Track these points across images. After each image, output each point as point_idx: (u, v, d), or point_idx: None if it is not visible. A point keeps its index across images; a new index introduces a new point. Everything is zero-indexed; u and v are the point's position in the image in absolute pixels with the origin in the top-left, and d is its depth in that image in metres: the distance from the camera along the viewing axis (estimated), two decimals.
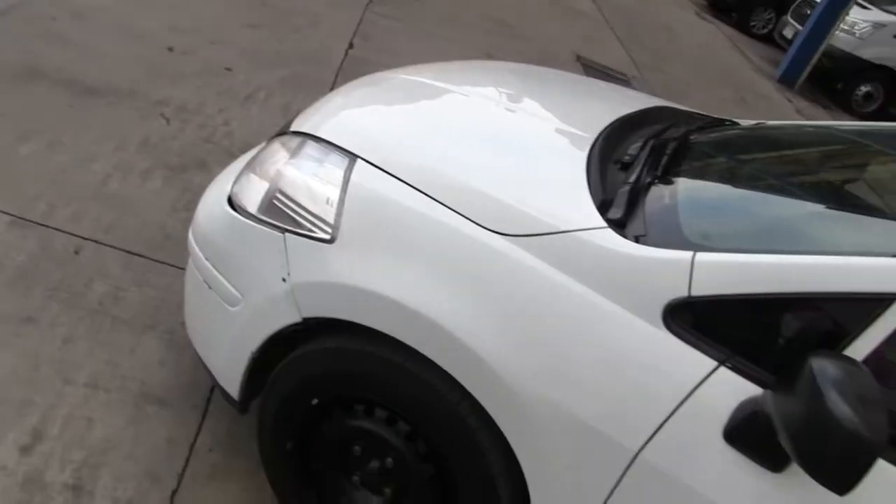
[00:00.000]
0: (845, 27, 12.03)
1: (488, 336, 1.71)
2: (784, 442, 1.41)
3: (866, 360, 1.48)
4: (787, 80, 11.53)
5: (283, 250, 1.96)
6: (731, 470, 1.56)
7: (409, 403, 1.91)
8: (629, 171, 2.03)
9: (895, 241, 1.76)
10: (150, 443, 2.38)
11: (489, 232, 1.77)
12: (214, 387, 2.47)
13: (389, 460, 2.00)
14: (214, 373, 2.22)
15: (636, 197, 1.89)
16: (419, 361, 1.81)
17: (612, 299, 1.65)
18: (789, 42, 12.35)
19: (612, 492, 1.67)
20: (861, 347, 1.49)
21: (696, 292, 1.59)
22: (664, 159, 2.11)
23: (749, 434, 1.52)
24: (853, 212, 2.02)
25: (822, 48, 11.64)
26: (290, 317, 1.96)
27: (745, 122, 2.86)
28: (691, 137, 2.41)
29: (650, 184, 1.98)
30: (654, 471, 1.61)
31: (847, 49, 12.14)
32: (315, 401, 2.03)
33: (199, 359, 2.30)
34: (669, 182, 2.01)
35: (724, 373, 1.58)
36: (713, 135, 2.51)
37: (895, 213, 2.00)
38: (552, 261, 1.71)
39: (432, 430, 1.91)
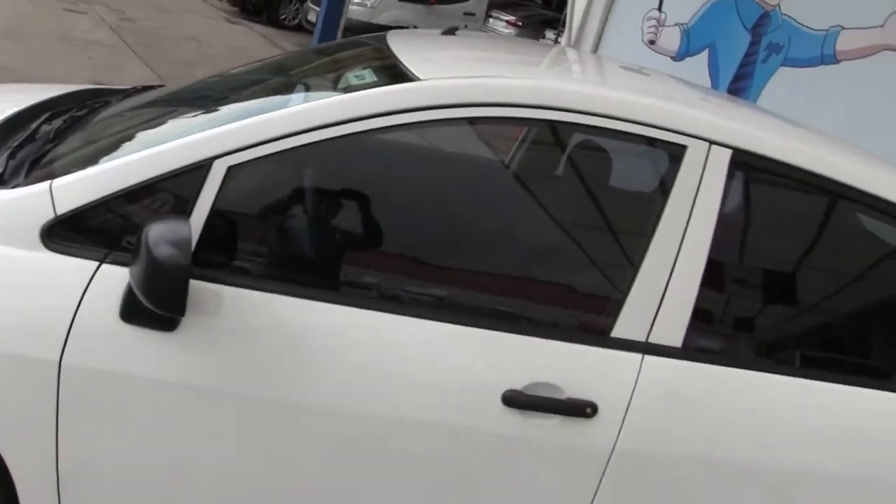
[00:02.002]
0: (357, 1, 13.25)
1: None
2: (140, 297, 1.74)
3: (211, 214, 1.87)
4: None
5: None
6: (138, 344, 1.87)
7: None
8: (18, 139, 2.26)
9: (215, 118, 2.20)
10: None
11: None
12: None
13: None
14: None
15: (23, 157, 2.12)
16: None
17: None
18: (315, 25, 13.28)
19: (57, 412, 1.88)
20: (202, 207, 1.88)
21: (60, 211, 1.86)
22: (59, 124, 2.39)
23: (132, 308, 1.83)
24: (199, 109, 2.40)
25: (342, 24, 12.67)
26: None
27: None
28: (106, 105, 2.69)
29: (43, 145, 2.22)
30: (81, 371, 1.86)
31: (364, 19, 13.46)
32: None
33: None
34: (54, 139, 2.28)
35: (107, 268, 1.87)
36: (132, 97, 2.82)
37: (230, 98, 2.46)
38: None
39: None
